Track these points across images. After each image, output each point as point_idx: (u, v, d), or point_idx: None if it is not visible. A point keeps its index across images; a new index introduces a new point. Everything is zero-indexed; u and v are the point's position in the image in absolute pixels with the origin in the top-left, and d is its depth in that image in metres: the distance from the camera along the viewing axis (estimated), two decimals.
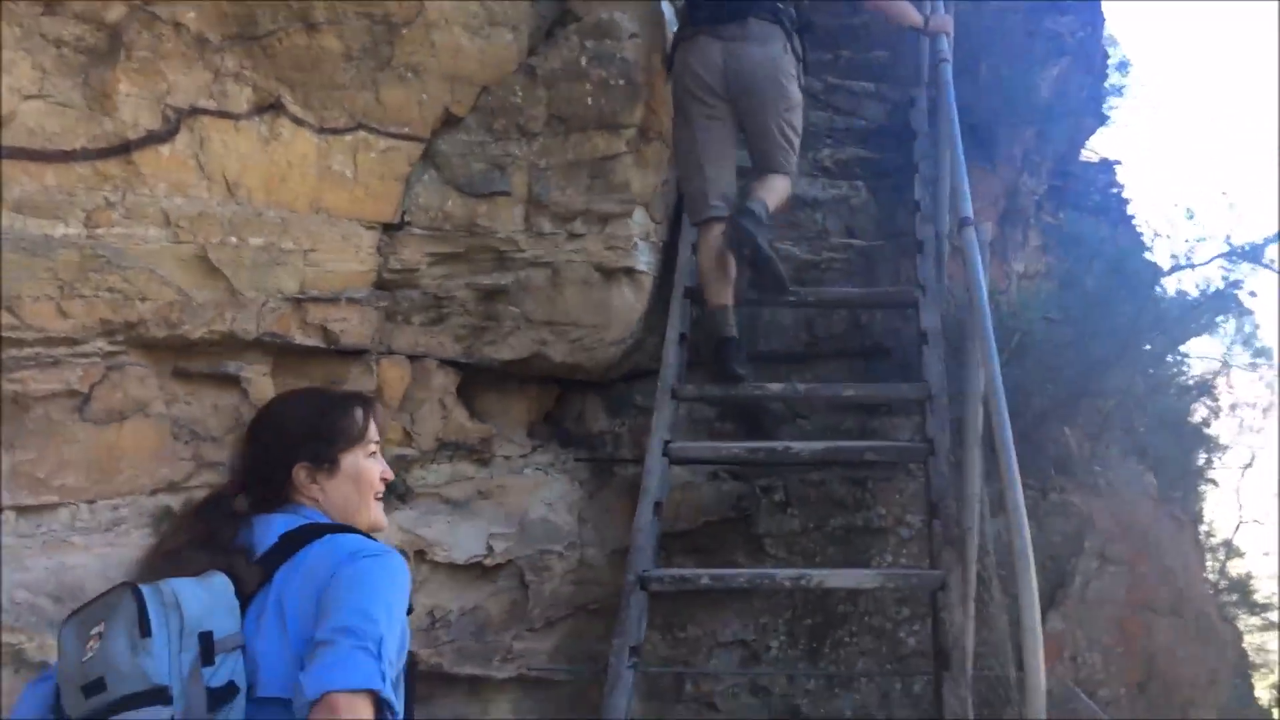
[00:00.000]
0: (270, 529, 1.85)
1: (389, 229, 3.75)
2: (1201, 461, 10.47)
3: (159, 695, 1.54)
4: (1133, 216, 9.21)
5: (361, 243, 3.63)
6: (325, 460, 1.96)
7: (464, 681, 3.90)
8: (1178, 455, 8.72)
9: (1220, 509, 13.01)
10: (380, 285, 3.75)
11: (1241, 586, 12.59)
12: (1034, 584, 2.75)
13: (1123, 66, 10.22)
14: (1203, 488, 11.11)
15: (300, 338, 3.46)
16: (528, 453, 4.39)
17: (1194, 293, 7.06)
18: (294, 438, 1.96)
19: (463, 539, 3.93)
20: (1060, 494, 4.63)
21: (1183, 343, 8.05)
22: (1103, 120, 7.35)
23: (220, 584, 1.71)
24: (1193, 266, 7.34)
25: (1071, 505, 4.61)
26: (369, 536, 1.90)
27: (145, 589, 1.62)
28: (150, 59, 3.07)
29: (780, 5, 4.34)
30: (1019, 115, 5.76)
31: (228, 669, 1.64)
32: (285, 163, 3.38)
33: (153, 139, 3.11)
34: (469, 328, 4.01)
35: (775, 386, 4.36)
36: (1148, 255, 7.65)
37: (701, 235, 4.41)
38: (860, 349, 4.89)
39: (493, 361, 4.08)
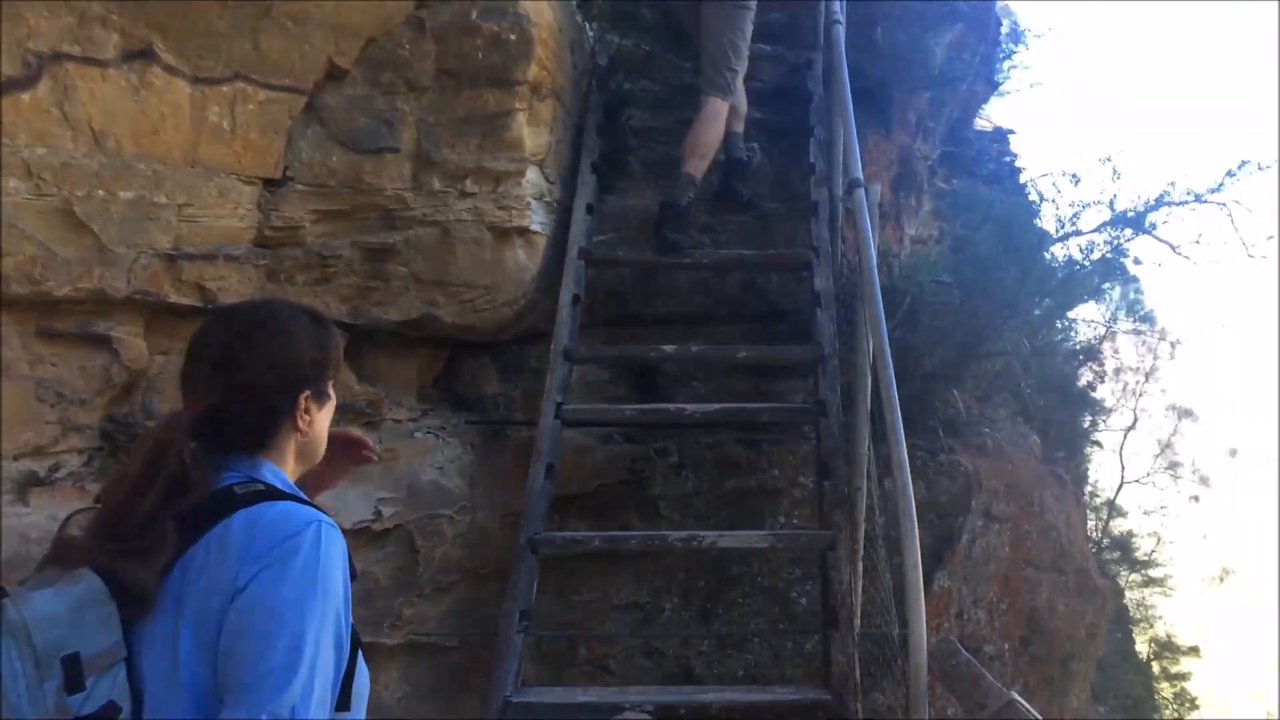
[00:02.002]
0: (222, 475, 1.64)
1: (270, 184, 3.62)
2: (1086, 424, 10.81)
3: None
4: (1024, 185, 9.39)
5: (240, 198, 3.50)
6: (322, 391, 1.79)
7: None
8: (1063, 417, 8.97)
9: (1104, 470, 13.44)
10: (261, 243, 3.62)
11: (1123, 544, 13.05)
12: (917, 545, 2.78)
13: (1016, 35, 10.40)
14: (1087, 449, 11.47)
15: (175, 296, 3.33)
16: (418, 416, 4.32)
17: (1080, 259, 7.21)
18: (302, 361, 1.74)
19: (350, 504, 3.85)
20: (948, 454, 4.71)
21: (1069, 308, 8.25)
22: (995, 88, 7.44)
23: (84, 592, 1.48)
24: (1079, 233, 7.48)
25: (959, 465, 4.69)
26: (304, 500, 1.69)
27: None
28: (9, 1, 2.90)
29: None
30: (914, 80, 5.79)
31: (105, 689, 1.45)
32: (158, 113, 3.23)
33: (12, 85, 2.94)
34: (356, 288, 3.90)
35: (669, 348, 4.34)
36: (1037, 222, 7.79)
37: (699, 104, 4.78)
38: (756, 312, 4.88)
39: (381, 322, 3.98)
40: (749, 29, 4.86)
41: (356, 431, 2.09)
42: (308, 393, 1.74)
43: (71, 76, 3.04)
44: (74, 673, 1.43)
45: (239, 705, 1.43)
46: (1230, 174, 6.04)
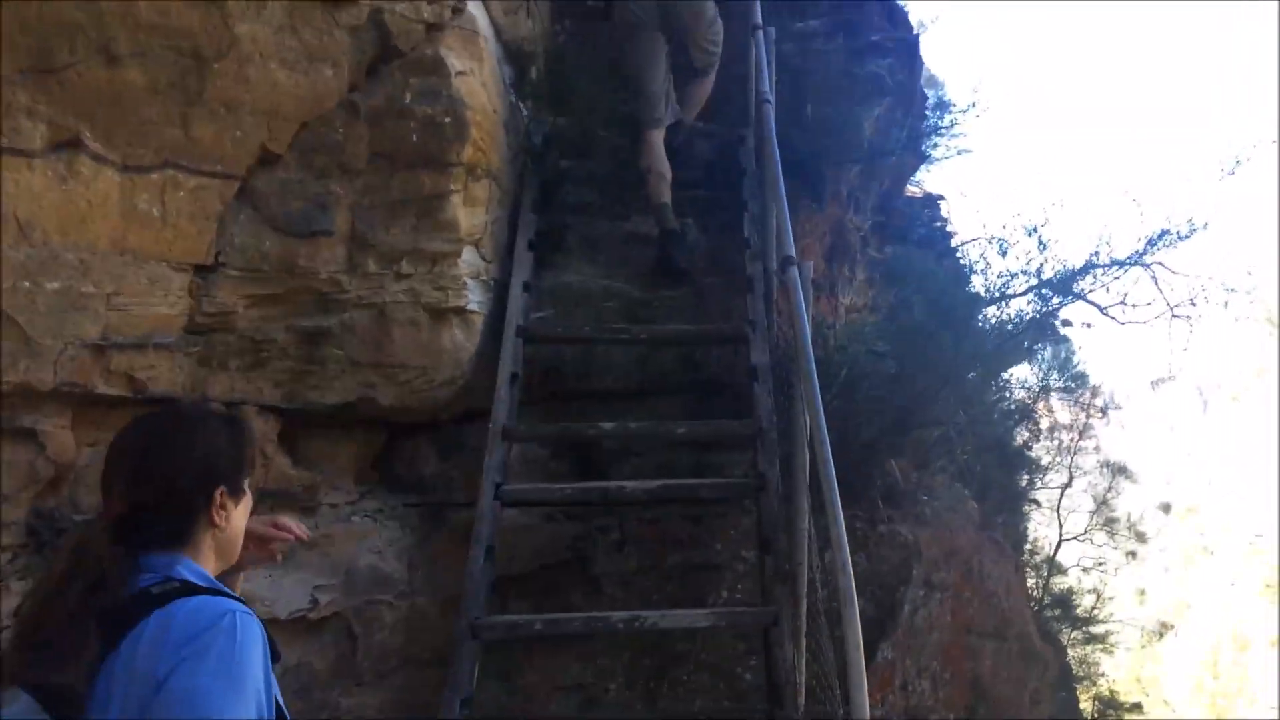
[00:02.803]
0: (140, 575, 1.67)
1: (202, 270, 3.58)
2: (1024, 482, 10.95)
3: None
4: (956, 249, 9.59)
5: (171, 285, 3.46)
6: (238, 487, 1.84)
7: None
8: (1001, 477, 9.09)
9: (1043, 527, 13.58)
10: (193, 329, 3.58)
11: (1064, 602, 13.15)
12: (858, 626, 2.77)
13: (943, 105, 10.66)
14: (1025, 507, 11.60)
15: (103, 387, 3.28)
16: (355, 499, 4.26)
17: (1012, 323, 7.35)
18: (216, 458, 1.81)
19: (286, 592, 3.78)
20: (888, 524, 4.73)
21: (1002, 371, 8.39)
22: (924, 159, 7.62)
23: (20, 713, 1.52)
24: (1010, 296, 7.64)
25: (899, 535, 4.71)
26: (222, 591, 1.73)
27: None
28: None
29: None
30: (844, 154, 5.91)
31: None
32: (85, 202, 3.20)
33: None
34: (290, 372, 3.86)
35: (607, 425, 4.33)
36: (970, 286, 7.94)
37: (642, 139, 5.20)
38: (694, 385, 4.90)
39: (317, 406, 3.94)
40: (720, 24, 5.48)
41: (282, 520, 2.08)
42: (223, 489, 1.80)
43: None
44: None
45: None
46: (1151, 243, 6.22)
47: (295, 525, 2.17)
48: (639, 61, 5.32)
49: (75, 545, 1.68)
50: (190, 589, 1.67)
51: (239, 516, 1.85)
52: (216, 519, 1.79)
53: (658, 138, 5.23)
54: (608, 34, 5.68)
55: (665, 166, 5.17)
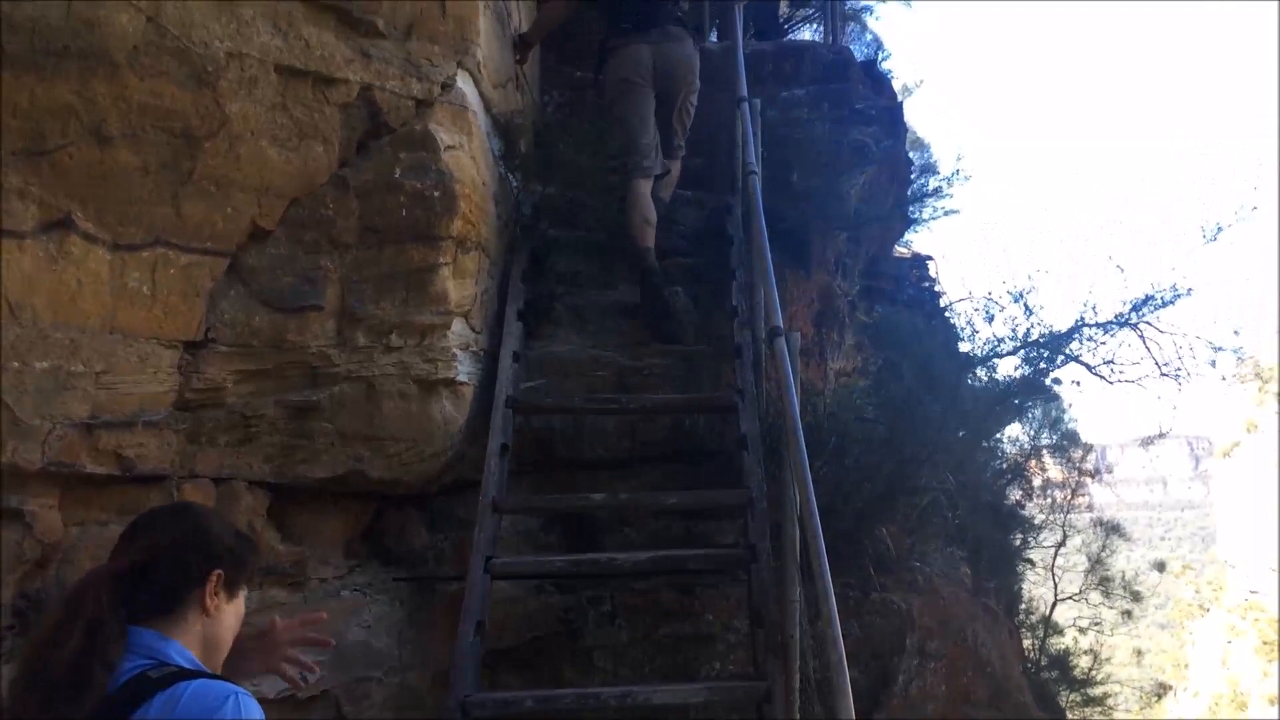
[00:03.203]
0: (131, 657, 1.76)
1: (191, 347, 3.59)
2: (1017, 542, 10.90)
3: None
4: (945, 309, 9.65)
5: (160, 362, 3.46)
6: (234, 582, 1.95)
7: None
8: (994, 536, 9.04)
9: (1037, 586, 13.49)
10: (182, 406, 3.57)
11: (1061, 663, 13.03)
12: (849, 695, 2.76)
13: (929, 168, 10.79)
14: (1019, 567, 11.53)
15: (92, 466, 3.26)
16: (345, 573, 4.23)
17: (1002, 384, 7.38)
18: (219, 543, 1.94)
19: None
20: (881, 593, 4.71)
21: (994, 432, 8.40)
22: (910, 223, 7.71)
23: None
24: (998, 356, 7.67)
25: (892, 604, 4.69)
26: (214, 676, 1.83)
27: None
28: None
29: (681, 14, 5.83)
30: (830, 221, 5.97)
31: None
32: (75, 281, 3.21)
33: None
34: (279, 446, 3.85)
35: (598, 496, 4.33)
36: (959, 346, 7.97)
37: (631, 188, 5.45)
38: (684, 453, 4.91)
39: (306, 481, 3.93)
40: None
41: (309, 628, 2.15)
42: (220, 573, 1.91)
43: None
44: None
45: None
46: (1135, 308, 6.27)
47: (322, 636, 2.32)
48: (630, 114, 5.60)
49: (75, 589, 1.79)
50: (185, 673, 1.77)
51: (229, 615, 1.94)
52: (208, 604, 1.88)
53: (646, 187, 5.49)
54: (599, 90, 5.87)
55: (652, 213, 5.43)
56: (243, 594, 2.00)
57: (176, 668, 1.78)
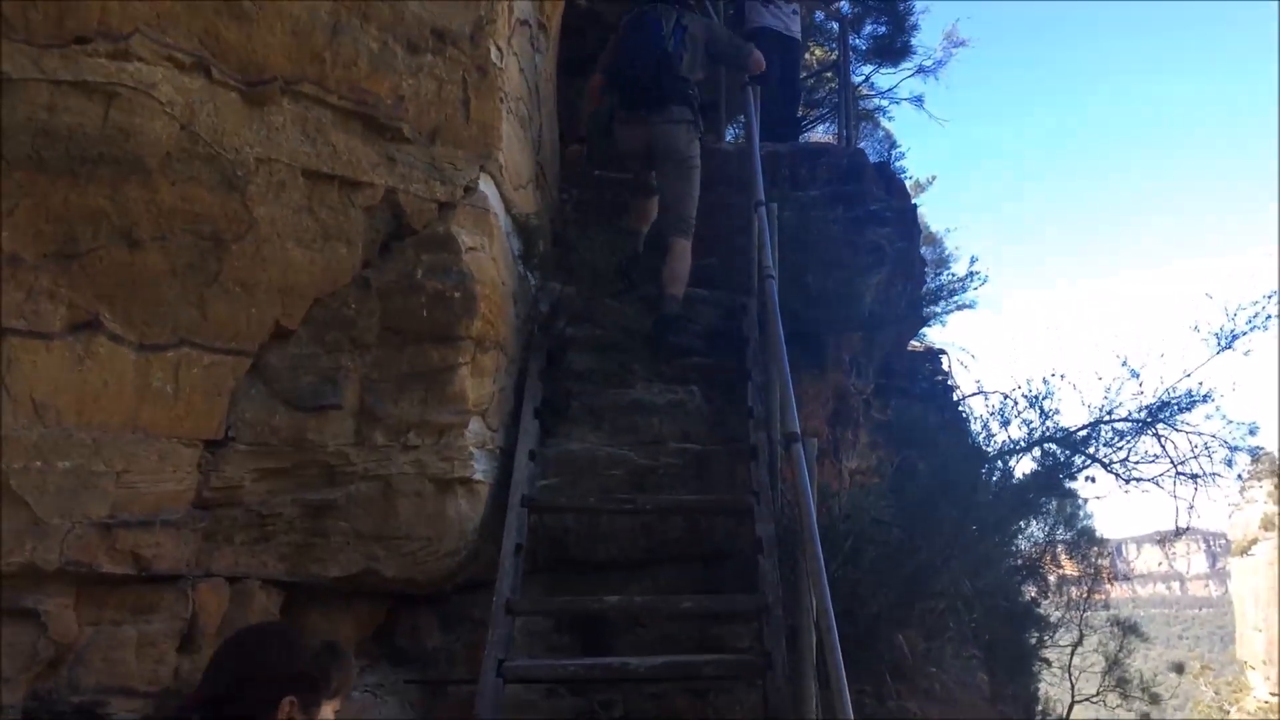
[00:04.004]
0: None
1: (211, 445, 3.62)
2: (1033, 640, 10.73)
3: None
4: (959, 403, 9.63)
5: (181, 461, 3.49)
6: (312, 702, 2.02)
7: None
8: (1010, 635, 8.91)
9: (1053, 688, 13.25)
10: (200, 504, 3.60)
11: None
12: None
13: (942, 264, 10.88)
14: (1035, 667, 11.34)
15: (109, 565, 3.27)
16: (356, 673, 4.18)
17: (1019, 481, 7.33)
18: (293, 668, 2.02)
19: None
20: (897, 700, 4.64)
21: (1010, 531, 8.32)
22: (924, 323, 7.74)
23: None
24: (1016, 454, 7.63)
25: (908, 712, 4.62)
26: None
27: None
28: None
29: (691, 93, 5.92)
30: (845, 322, 6.01)
31: None
32: (100, 381, 3.25)
33: None
34: (295, 545, 3.86)
35: (612, 599, 4.31)
36: (974, 440, 7.93)
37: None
38: (699, 554, 4.88)
39: (321, 580, 3.92)
40: (698, 179, 5.94)
41: None
42: (293, 700, 1.98)
43: (15, 350, 3.07)
44: None
45: None
46: (1152, 412, 6.26)
47: None
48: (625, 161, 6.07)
49: None
50: None
51: None
52: None
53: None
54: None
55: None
56: (333, 704, 2.09)
57: None
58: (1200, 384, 6.43)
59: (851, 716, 3.01)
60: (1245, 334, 6.36)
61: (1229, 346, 6.40)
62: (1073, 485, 8.42)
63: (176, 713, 1.98)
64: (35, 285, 3.12)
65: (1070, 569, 12.18)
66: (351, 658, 2.21)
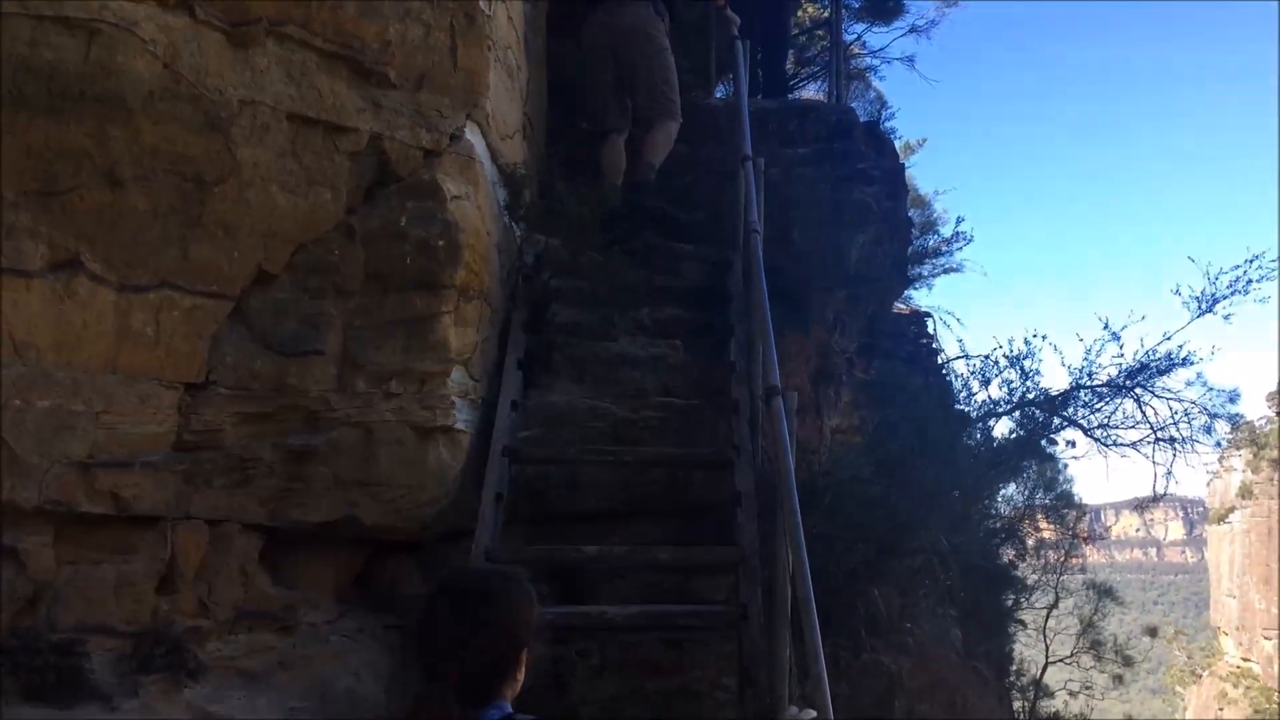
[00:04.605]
0: None
1: (192, 388, 3.61)
2: (1009, 603, 10.85)
3: None
4: (942, 365, 9.68)
5: (161, 403, 3.48)
6: (533, 645, 2.10)
7: None
8: (986, 597, 9.01)
9: (1029, 648, 13.41)
10: (180, 447, 3.59)
11: None
12: None
13: (929, 228, 10.88)
14: (1011, 628, 11.47)
15: (88, 505, 3.27)
16: (335, 618, 4.22)
17: (999, 443, 7.38)
18: (524, 627, 2.06)
19: (260, 714, 3.70)
20: (871, 654, 4.70)
21: (989, 492, 8.39)
22: (910, 283, 7.75)
23: None
24: (996, 416, 7.68)
25: (882, 665, 4.68)
26: None
27: None
28: None
29: None
30: (830, 280, 6.02)
31: None
32: (80, 321, 3.24)
33: None
34: (275, 490, 3.87)
35: (591, 549, 4.33)
36: (956, 403, 7.98)
37: (602, 143, 6.10)
38: (678, 507, 4.91)
39: (301, 525, 3.94)
40: (672, 60, 6.17)
41: None
42: (526, 650, 2.07)
43: None
44: None
45: None
46: (1130, 375, 6.30)
47: None
48: (589, 82, 6.24)
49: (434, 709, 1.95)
50: None
51: (523, 666, 2.09)
52: (518, 676, 2.06)
53: (612, 141, 6.13)
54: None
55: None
56: None
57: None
58: (1180, 347, 6.47)
59: (824, 668, 3.05)
60: (1226, 298, 6.40)
61: (1209, 310, 6.44)
62: (1052, 449, 8.50)
63: (417, 647, 2.02)
64: (15, 223, 3.09)
65: (1049, 533, 12.31)
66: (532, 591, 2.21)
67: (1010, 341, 6.77)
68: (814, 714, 3.00)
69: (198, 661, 3.60)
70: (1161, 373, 6.38)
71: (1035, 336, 6.61)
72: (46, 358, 3.15)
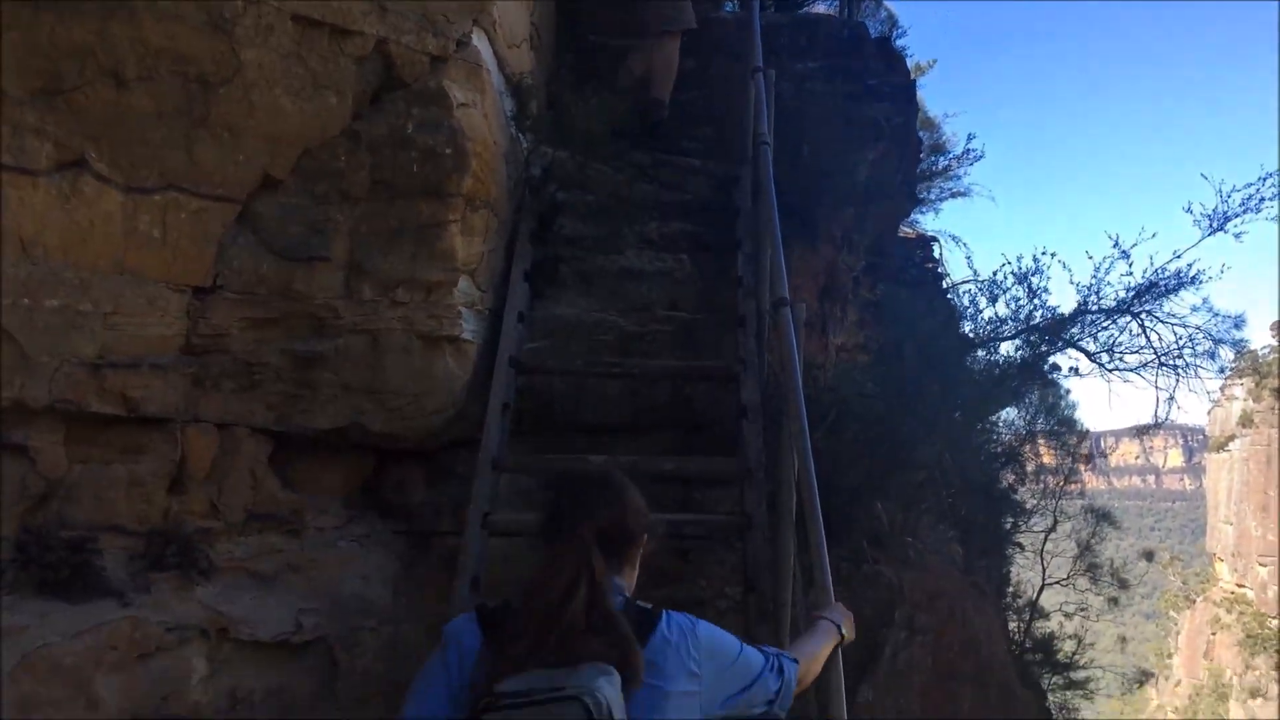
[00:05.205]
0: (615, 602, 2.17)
1: (199, 292, 3.61)
2: (1008, 525, 10.95)
3: None
4: (947, 291, 9.66)
5: (169, 306, 3.48)
6: (649, 539, 2.40)
7: None
8: (985, 519, 9.09)
9: (1026, 570, 13.56)
10: (188, 350, 3.60)
11: (1045, 646, 13.12)
12: (840, 673, 2.79)
13: (939, 150, 10.78)
14: (1009, 550, 11.59)
15: (97, 405, 3.29)
16: (343, 524, 4.27)
17: (1002, 365, 7.39)
18: (644, 513, 2.37)
19: (269, 615, 3.77)
20: (872, 565, 4.75)
21: (990, 413, 8.42)
22: (918, 202, 7.70)
23: (619, 683, 1.99)
24: (1000, 339, 7.68)
25: (883, 577, 4.73)
26: None
27: (587, 701, 1.90)
28: None
29: None
30: (839, 196, 5.97)
31: None
32: (87, 221, 3.23)
33: None
34: (283, 395, 3.88)
35: (596, 458, 4.35)
36: (961, 329, 7.97)
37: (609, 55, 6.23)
38: (684, 420, 4.93)
39: (308, 430, 3.96)
40: None
41: None
42: (646, 536, 2.38)
43: (3, 185, 3.03)
44: None
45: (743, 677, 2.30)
46: (1138, 294, 6.28)
47: None
48: None
49: (576, 558, 2.14)
50: (657, 607, 2.26)
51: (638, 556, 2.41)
52: (634, 564, 2.36)
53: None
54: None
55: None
56: None
57: (648, 605, 2.24)
58: (1189, 265, 6.43)
59: (829, 575, 3.07)
60: (1238, 215, 6.34)
61: (1220, 229, 6.39)
62: (1055, 376, 8.50)
63: (576, 550, 2.17)
64: (21, 121, 3.07)
65: (1049, 458, 12.36)
66: None
67: (1019, 258, 6.73)
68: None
69: (209, 561, 3.66)
70: (1170, 291, 6.35)
71: (1044, 254, 6.57)
72: (54, 257, 3.14)
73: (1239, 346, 7.92)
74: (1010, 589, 11.96)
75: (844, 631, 2.76)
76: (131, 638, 3.28)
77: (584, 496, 2.32)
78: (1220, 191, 6.48)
